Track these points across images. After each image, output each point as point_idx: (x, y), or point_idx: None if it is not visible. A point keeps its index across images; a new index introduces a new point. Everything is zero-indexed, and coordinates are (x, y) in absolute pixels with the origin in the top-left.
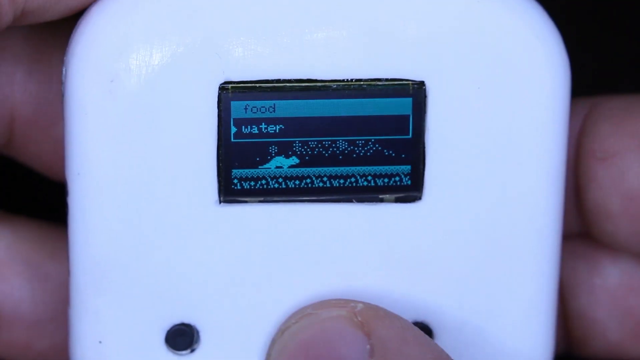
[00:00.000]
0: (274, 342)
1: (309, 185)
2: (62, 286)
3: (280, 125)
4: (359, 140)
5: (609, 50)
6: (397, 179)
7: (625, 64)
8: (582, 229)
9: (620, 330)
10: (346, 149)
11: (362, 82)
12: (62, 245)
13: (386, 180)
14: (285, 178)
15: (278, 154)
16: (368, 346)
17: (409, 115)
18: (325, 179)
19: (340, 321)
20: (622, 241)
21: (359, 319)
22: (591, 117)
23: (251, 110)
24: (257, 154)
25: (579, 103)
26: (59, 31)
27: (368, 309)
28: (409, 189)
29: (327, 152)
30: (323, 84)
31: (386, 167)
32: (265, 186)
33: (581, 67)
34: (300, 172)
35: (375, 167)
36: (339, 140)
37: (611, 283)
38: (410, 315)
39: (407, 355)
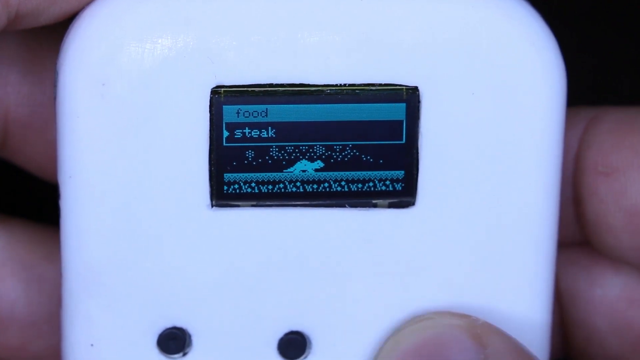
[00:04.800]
0: (387, 340)
1: (301, 190)
2: (57, 288)
3: (273, 130)
4: (351, 145)
5: (608, 52)
6: (391, 184)
7: (625, 65)
8: (583, 239)
9: (620, 342)
10: (339, 154)
11: (355, 87)
12: (57, 247)
13: (379, 185)
14: (277, 182)
15: (270, 158)
16: (483, 356)
17: (402, 121)
18: (318, 183)
19: (458, 329)
20: (623, 255)
21: (477, 331)
22: (592, 129)
23: (243, 114)
24: (249, 158)
25: (580, 113)
26: (53, 33)
27: (488, 324)
28: (403, 195)
29: (319, 157)
30: (316, 88)
31: (379, 173)
32: (257, 190)
33: (580, 68)
34: (291, 176)
35: (368, 172)
36: (331, 145)
37: (611, 294)
38: (403, 321)
39: None
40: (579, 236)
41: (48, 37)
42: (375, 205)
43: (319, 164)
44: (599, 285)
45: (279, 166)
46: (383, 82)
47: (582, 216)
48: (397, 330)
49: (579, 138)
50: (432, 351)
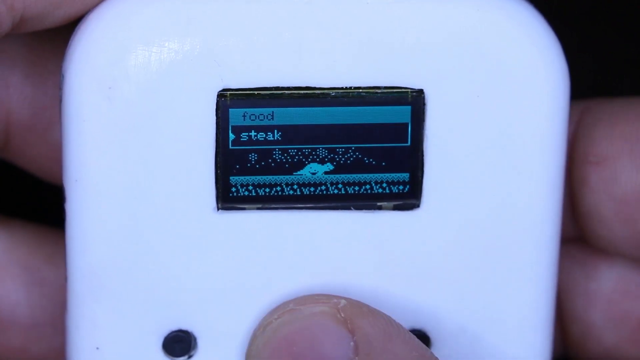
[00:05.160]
0: (254, 337)
1: (307, 192)
2: (59, 290)
3: (279, 133)
4: (357, 147)
5: (608, 51)
6: (396, 186)
7: (625, 65)
8: (577, 234)
9: (616, 335)
10: (344, 156)
11: (361, 90)
12: (59, 249)
13: (384, 187)
14: (283, 185)
15: (276, 161)
16: (352, 343)
17: (407, 123)
18: (323, 186)
19: (324, 317)
20: (616, 245)
21: (343, 315)
22: (584, 121)
23: (249, 117)
24: (255, 161)
25: (572, 107)
26: (55, 35)
27: (352, 306)
28: (407, 197)
29: (325, 159)
30: (322, 91)
31: (384, 175)
32: (263, 193)
33: (580, 68)
34: (297, 179)
35: (373, 175)
36: (337, 147)
37: (607, 287)
38: (408, 323)
39: (392, 353)
40: (573, 232)
41: (51, 39)
42: (380, 208)
43: (329, 166)
44: (594, 279)
45: (284, 169)
46: (388, 85)
47: (575, 208)
48: (262, 326)
49: (572, 131)
50: (303, 346)
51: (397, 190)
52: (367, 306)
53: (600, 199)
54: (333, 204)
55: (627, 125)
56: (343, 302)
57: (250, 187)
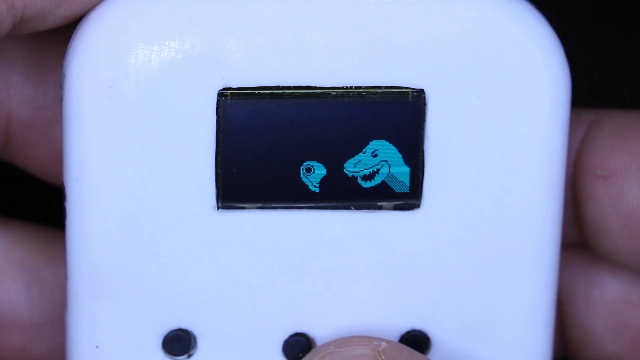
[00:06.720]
0: None
1: (307, 192)
2: (58, 290)
3: (279, 132)
4: (357, 147)
5: (609, 52)
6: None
7: (626, 66)
8: (581, 240)
9: (617, 343)
10: (344, 155)
11: (361, 89)
12: (59, 250)
13: (385, 187)
14: (283, 184)
15: (277, 160)
16: None
17: (408, 123)
18: (323, 186)
19: None
20: (620, 258)
21: (384, 358)
22: (592, 132)
23: (250, 116)
24: (255, 160)
25: (581, 116)
26: (56, 35)
27: (392, 348)
28: (408, 197)
29: (325, 159)
30: (322, 90)
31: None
32: (263, 192)
33: (582, 70)
34: (297, 178)
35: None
36: (337, 147)
37: (609, 295)
38: (408, 323)
39: None
40: (577, 238)
41: (51, 40)
42: (380, 208)
43: (330, 166)
44: (597, 287)
45: (285, 168)
46: (389, 85)
47: (580, 218)
48: None
49: (580, 141)
50: None
51: (397, 190)
52: (408, 348)
53: (606, 213)
54: (333, 204)
55: (637, 141)
56: (384, 344)
57: (251, 186)
